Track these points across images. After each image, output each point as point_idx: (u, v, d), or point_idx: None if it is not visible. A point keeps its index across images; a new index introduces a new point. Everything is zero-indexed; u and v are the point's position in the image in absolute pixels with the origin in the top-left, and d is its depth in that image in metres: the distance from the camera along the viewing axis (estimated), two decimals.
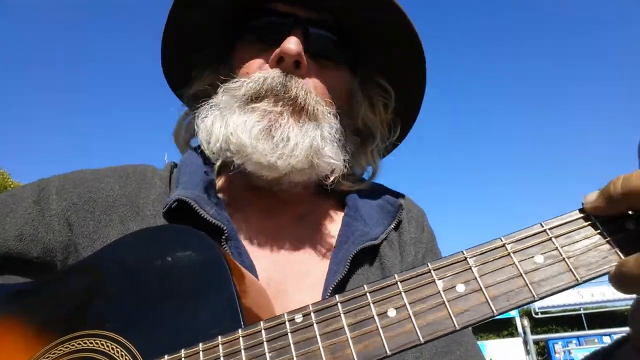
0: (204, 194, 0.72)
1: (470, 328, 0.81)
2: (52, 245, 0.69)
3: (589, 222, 0.45)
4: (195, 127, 0.77)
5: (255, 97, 0.72)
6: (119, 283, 0.57)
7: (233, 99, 0.73)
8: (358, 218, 0.79)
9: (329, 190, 0.80)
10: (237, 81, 0.74)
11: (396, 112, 0.87)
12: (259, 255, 0.72)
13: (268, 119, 0.69)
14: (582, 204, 0.46)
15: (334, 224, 0.82)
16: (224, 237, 0.68)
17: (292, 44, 0.70)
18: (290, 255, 0.76)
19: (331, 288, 0.69)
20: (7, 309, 0.60)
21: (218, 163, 0.78)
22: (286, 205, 0.82)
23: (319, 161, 0.72)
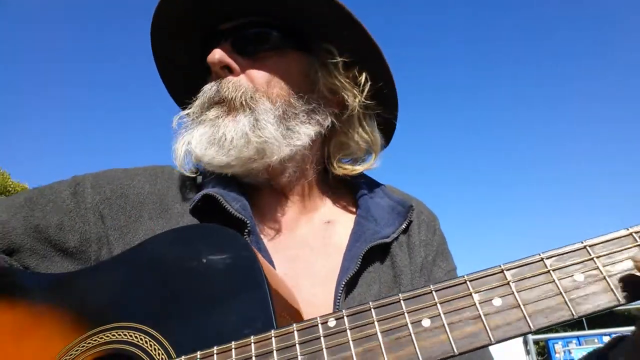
0: (230, 192, 0.76)
1: None
2: (87, 236, 0.73)
3: (633, 243, 0.45)
4: None
5: (208, 108, 0.80)
6: (154, 278, 0.58)
7: (188, 119, 0.83)
8: (369, 218, 0.82)
9: (331, 174, 0.86)
10: (187, 107, 0.83)
11: (362, 69, 0.86)
12: (274, 250, 0.75)
13: (210, 126, 0.77)
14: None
15: (346, 223, 0.84)
16: (246, 230, 0.71)
17: (212, 54, 0.78)
18: (303, 251, 0.79)
19: (343, 283, 0.71)
20: (45, 298, 0.62)
21: (191, 174, 0.84)
22: (299, 203, 0.85)
23: (261, 145, 0.76)
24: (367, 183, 0.91)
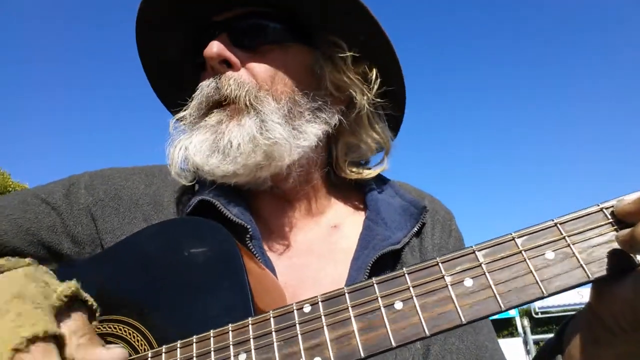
0: (227, 196, 0.73)
1: (494, 337, 0.78)
2: (80, 237, 0.73)
3: (603, 220, 0.44)
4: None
5: (207, 109, 0.74)
6: (137, 272, 0.60)
7: (185, 122, 0.77)
8: (379, 221, 0.77)
9: (346, 180, 0.82)
10: (185, 106, 0.77)
11: (370, 62, 0.81)
12: (276, 257, 0.72)
13: (212, 133, 0.72)
14: (613, 205, 0.44)
15: (355, 227, 0.79)
16: (248, 235, 0.68)
17: (209, 47, 0.72)
18: (308, 259, 0.75)
19: None
20: None
21: (187, 182, 0.77)
22: (304, 208, 0.81)
23: (270, 148, 0.71)
24: (376, 181, 0.85)
